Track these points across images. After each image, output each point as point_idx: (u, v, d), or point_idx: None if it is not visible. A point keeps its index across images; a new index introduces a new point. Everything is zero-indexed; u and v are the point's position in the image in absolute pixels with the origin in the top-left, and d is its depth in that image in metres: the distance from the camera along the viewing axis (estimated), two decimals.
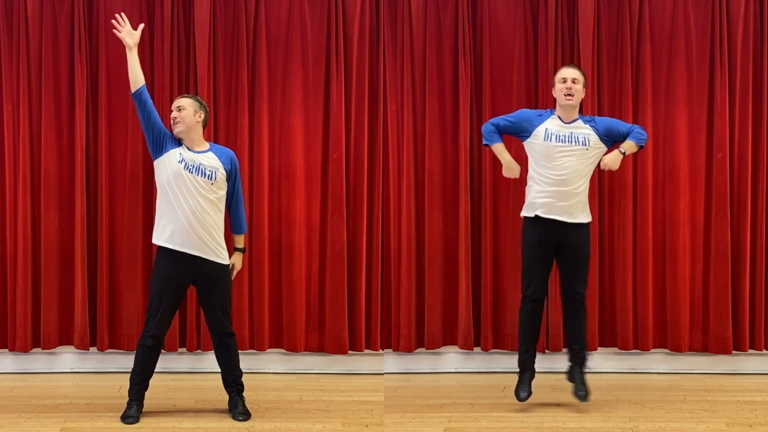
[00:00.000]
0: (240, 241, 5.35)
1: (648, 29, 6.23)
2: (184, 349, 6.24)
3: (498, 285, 6.30)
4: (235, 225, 5.31)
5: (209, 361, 5.69)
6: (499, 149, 5.44)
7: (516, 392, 5.36)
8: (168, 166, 5.02)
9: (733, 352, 6.26)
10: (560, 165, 5.23)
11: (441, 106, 6.29)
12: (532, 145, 5.33)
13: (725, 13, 6.19)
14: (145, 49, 6.18)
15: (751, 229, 6.24)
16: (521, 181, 6.19)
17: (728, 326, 6.22)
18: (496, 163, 6.26)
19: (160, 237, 5.05)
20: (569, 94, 5.24)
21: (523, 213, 5.40)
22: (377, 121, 6.27)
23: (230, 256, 5.24)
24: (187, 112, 5.09)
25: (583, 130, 5.28)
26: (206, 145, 5.17)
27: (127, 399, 5.14)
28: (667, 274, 6.28)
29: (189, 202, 4.99)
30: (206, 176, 5.04)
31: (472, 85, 6.27)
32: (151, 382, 5.16)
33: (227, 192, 5.16)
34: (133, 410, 5.09)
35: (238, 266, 5.33)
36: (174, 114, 5.11)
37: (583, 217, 5.32)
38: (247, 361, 5.66)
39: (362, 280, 6.26)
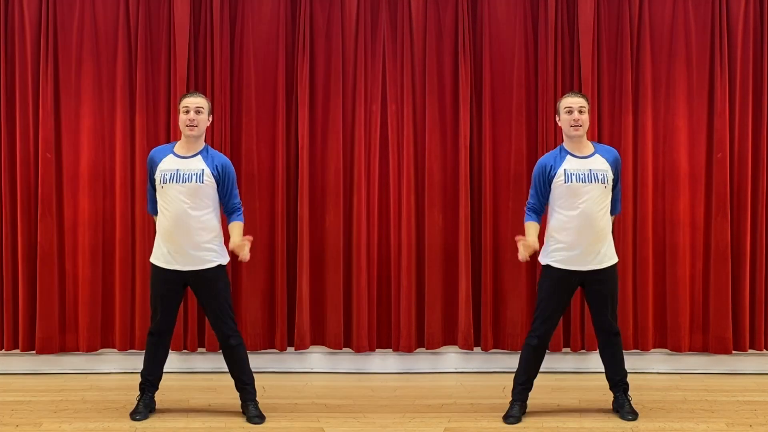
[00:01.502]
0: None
1: (648, 29, 6.24)
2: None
3: (498, 285, 6.30)
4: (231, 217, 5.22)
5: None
6: (530, 228, 5.14)
7: (504, 416, 5.19)
8: (157, 190, 5.05)
9: (733, 352, 6.26)
10: (580, 204, 5.00)
11: (441, 106, 6.30)
12: (555, 189, 5.07)
13: (725, 13, 6.19)
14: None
15: (751, 229, 6.24)
16: (522, 181, 6.22)
17: (728, 326, 6.22)
18: (496, 163, 6.30)
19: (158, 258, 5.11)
20: (576, 125, 5.02)
21: (544, 260, 5.14)
22: (377, 121, 6.27)
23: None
24: (203, 116, 5.05)
25: (602, 166, 5.05)
26: (197, 149, 5.09)
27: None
28: (667, 274, 6.28)
29: (172, 211, 4.99)
30: (190, 180, 4.99)
31: (472, 85, 6.27)
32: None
33: (219, 194, 5.10)
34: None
35: (238, 242, 5.10)
36: (192, 116, 5.00)
37: (607, 259, 5.09)
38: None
39: (362, 280, 6.26)
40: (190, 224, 5.00)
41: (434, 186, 6.28)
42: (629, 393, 5.29)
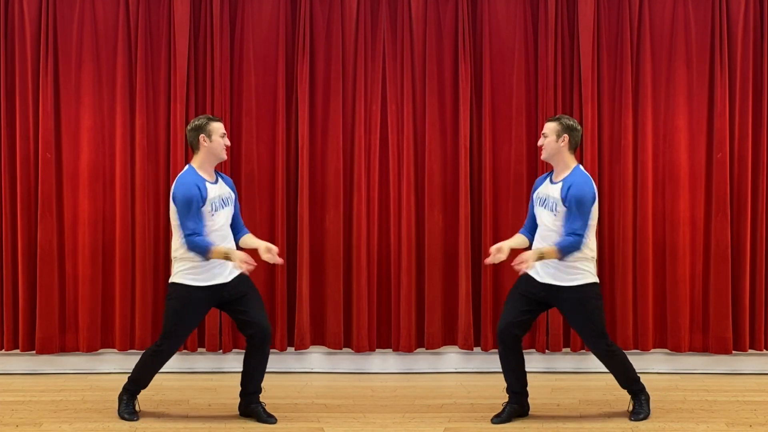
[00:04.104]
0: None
1: (648, 29, 6.23)
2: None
3: (498, 285, 6.30)
4: (242, 232, 5.25)
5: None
6: (515, 237, 5.23)
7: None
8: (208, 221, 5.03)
9: (733, 352, 6.26)
10: (540, 226, 5.11)
11: (441, 106, 6.30)
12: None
13: (725, 12, 6.19)
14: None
15: (751, 229, 6.24)
16: (522, 181, 6.22)
17: (728, 326, 6.21)
18: (496, 163, 6.31)
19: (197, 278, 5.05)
20: (540, 149, 5.13)
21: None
22: (377, 121, 6.27)
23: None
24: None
25: (556, 195, 5.02)
26: (214, 173, 5.13)
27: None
28: (667, 274, 6.28)
29: (223, 232, 5.06)
30: (229, 204, 5.11)
31: (472, 85, 6.27)
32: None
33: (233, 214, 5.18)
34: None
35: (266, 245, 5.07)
36: (227, 141, 5.11)
37: (561, 280, 5.02)
38: None
39: (362, 280, 6.26)
40: (231, 240, 5.11)
41: (434, 186, 6.28)
42: (642, 395, 5.21)
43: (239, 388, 5.21)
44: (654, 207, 6.27)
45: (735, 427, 5.04)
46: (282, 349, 6.29)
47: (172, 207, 5.00)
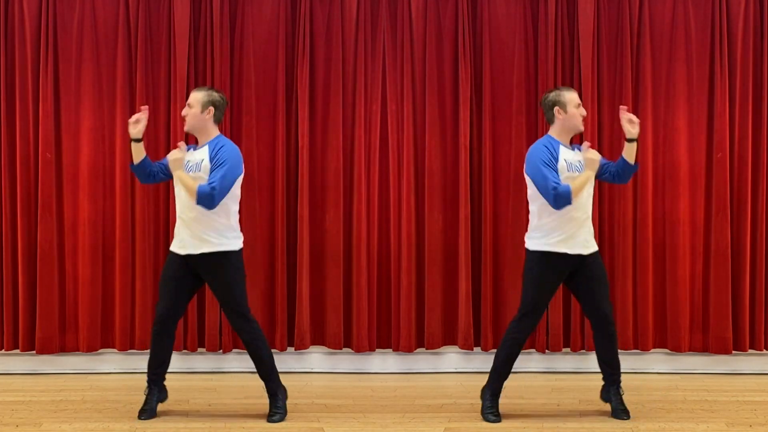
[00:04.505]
0: None
1: (648, 29, 6.24)
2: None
3: (498, 285, 6.31)
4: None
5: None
6: (582, 178, 5.01)
7: (491, 413, 5.19)
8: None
9: (733, 352, 6.26)
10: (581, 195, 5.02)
11: (441, 106, 6.30)
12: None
13: (725, 12, 6.19)
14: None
15: (751, 229, 6.24)
16: (521, 181, 6.21)
17: (728, 326, 6.22)
18: (496, 163, 6.31)
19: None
20: (584, 120, 5.10)
21: (537, 247, 5.08)
22: (377, 121, 6.27)
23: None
24: (194, 110, 5.02)
25: (581, 158, 5.07)
26: (205, 141, 5.07)
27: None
28: (667, 274, 6.28)
29: (180, 201, 5.02)
30: (192, 170, 4.97)
31: (472, 85, 6.28)
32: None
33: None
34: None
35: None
36: (184, 111, 5.08)
37: (592, 245, 5.10)
38: None
39: (362, 280, 6.26)
40: (196, 210, 4.96)
41: (434, 186, 6.28)
42: (620, 381, 5.27)
43: (239, 388, 5.21)
44: (654, 207, 6.28)
45: (735, 427, 5.04)
46: (282, 349, 6.29)
47: None
